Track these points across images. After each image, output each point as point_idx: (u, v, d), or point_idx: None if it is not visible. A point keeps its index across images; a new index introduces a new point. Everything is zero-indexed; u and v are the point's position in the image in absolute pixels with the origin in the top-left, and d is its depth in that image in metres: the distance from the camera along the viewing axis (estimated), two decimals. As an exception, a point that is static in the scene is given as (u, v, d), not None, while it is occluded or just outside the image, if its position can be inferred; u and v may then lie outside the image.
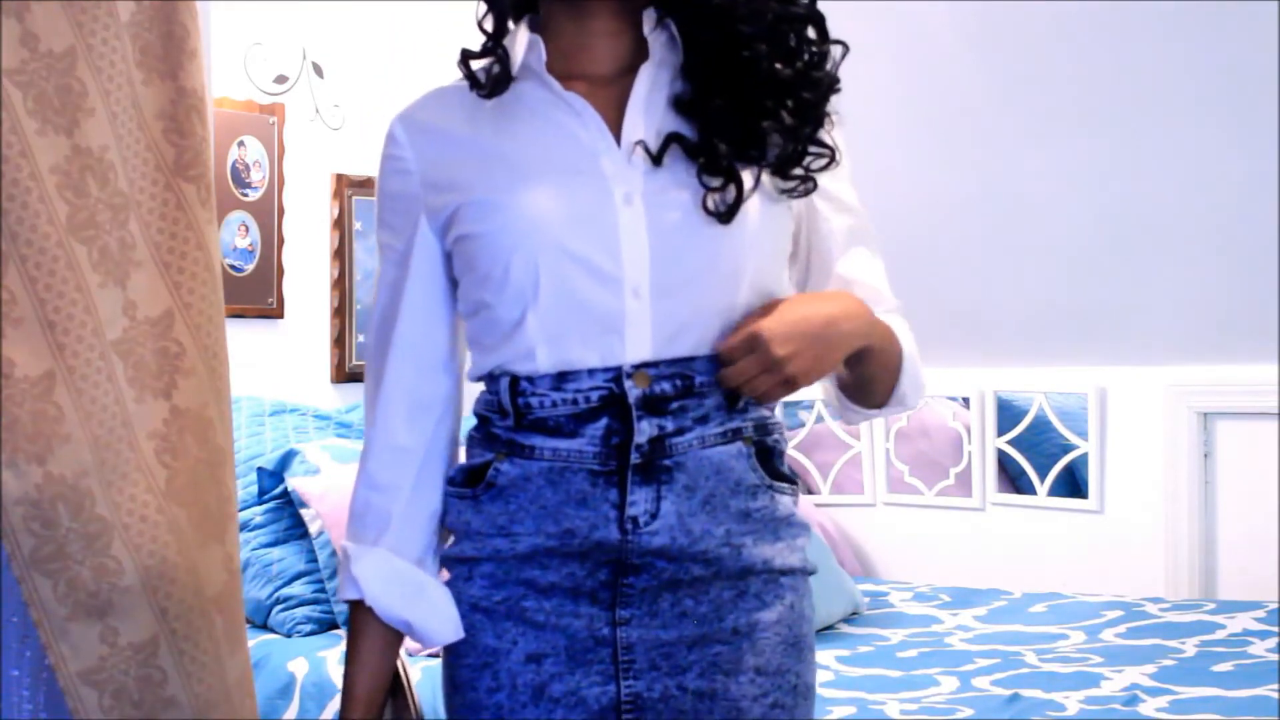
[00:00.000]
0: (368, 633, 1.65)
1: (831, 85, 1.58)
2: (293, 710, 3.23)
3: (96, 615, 2.13)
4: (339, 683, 3.19)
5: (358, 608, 1.64)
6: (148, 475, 2.20)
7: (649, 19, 1.56)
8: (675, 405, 1.53)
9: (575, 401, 1.53)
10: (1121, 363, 4.05)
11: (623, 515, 1.53)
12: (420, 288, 1.61)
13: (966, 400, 4.30)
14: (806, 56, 1.56)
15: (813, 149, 1.57)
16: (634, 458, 1.52)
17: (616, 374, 1.52)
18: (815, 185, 1.59)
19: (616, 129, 1.55)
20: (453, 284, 1.62)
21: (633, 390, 1.52)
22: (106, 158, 2.15)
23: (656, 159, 1.53)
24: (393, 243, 1.62)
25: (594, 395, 1.52)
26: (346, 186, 4.20)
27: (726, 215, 1.52)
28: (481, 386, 1.64)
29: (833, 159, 1.59)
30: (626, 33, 1.58)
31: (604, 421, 1.53)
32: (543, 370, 1.54)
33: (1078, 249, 4.10)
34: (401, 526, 1.63)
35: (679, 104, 1.57)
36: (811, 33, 1.57)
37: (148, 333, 2.20)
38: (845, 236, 1.67)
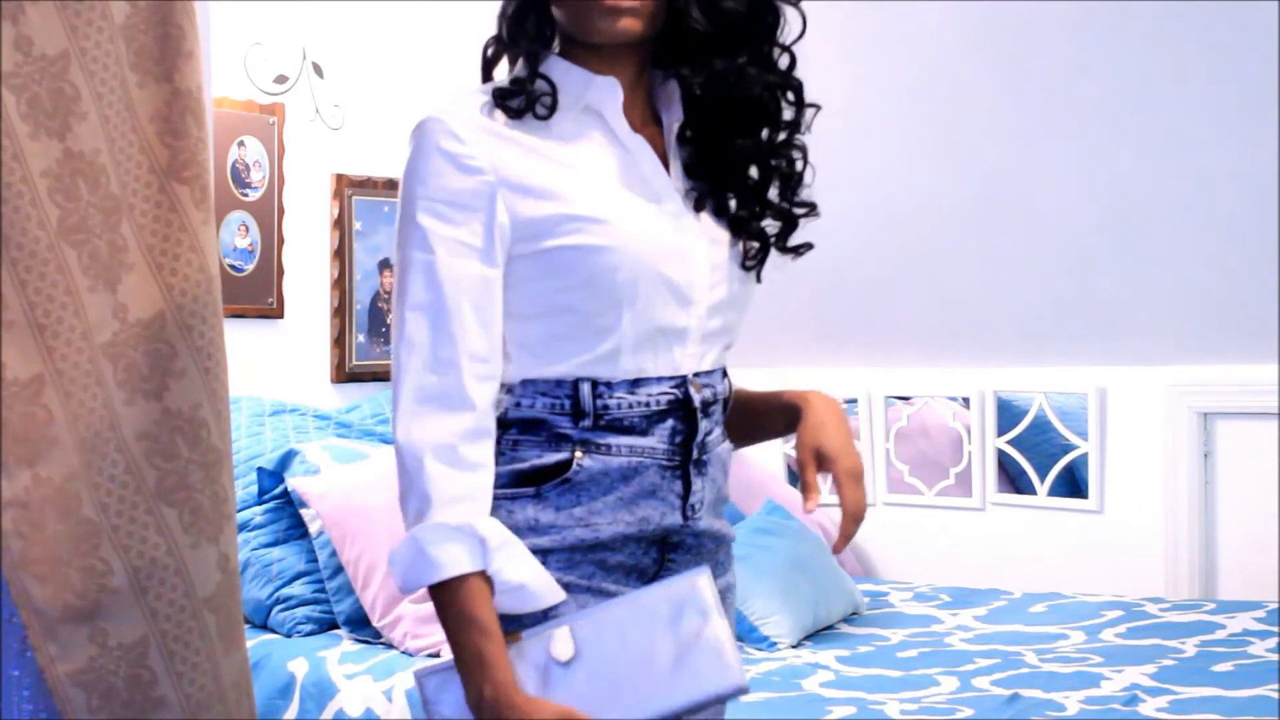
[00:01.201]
0: (487, 599, 1.64)
1: (806, 151, 1.82)
2: (293, 710, 3.23)
3: (85, 617, 2.13)
4: (339, 683, 3.20)
5: (460, 584, 1.63)
6: (137, 477, 2.20)
7: (665, 86, 1.79)
8: (711, 409, 1.79)
9: (647, 404, 1.74)
10: (1122, 363, 4.05)
11: (685, 503, 1.77)
12: (501, 281, 1.69)
13: (966, 400, 4.30)
14: (788, 120, 1.80)
15: (798, 211, 1.84)
16: (695, 453, 1.77)
17: (681, 381, 1.75)
18: (812, 246, 1.85)
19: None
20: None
21: (695, 395, 1.76)
22: (98, 161, 2.15)
23: (697, 208, 1.78)
24: (462, 237, 1.66)
25: (663, 399, 1.74)
26: (346, 186, 4.20)
27: (757, 269, 1.82)
28: (524, 392, 1.73)
29: (813, 209, 1.83)
30: (644, 85, 1.79)
31: (670, 422, 1.75)
32: (621, 376, 1.72)
33: (1078, 249, 4.09)
34: (488, 502, 1.68)
35: (688, 169, 1.80)
36: (791, 96, 1.79)
37: (139, 335, 2.20)
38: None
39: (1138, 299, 4.00)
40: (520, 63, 1.74)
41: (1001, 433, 4.25)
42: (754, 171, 1.81)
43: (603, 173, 1.71)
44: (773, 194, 1.82)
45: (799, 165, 1.82)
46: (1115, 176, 4.01)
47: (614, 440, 1.72)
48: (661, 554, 1.78)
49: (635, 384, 1.72)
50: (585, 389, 1.71)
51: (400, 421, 1.66)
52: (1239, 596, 3.79)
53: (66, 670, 2.13)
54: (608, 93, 1.74)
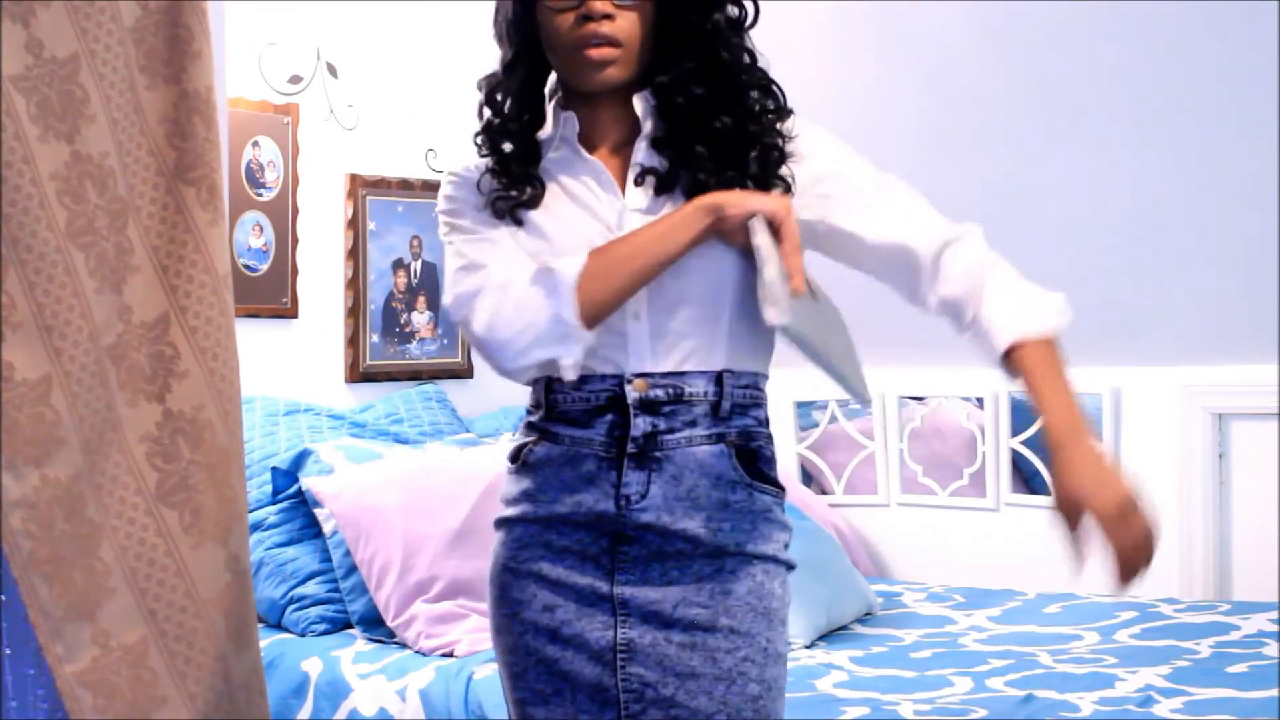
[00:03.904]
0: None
1: (781, 146, 1.93)
2: (306, 710, 3.24)
3: (87, 617, 2.14)
4: (353, 682, 3.21)
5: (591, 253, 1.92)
6: (137, 478, 2.20)
7: (639, 100, 1.94)
8: (667, 409, 1.91)
9: (589, 399, 1.92)
10: (1136, 363, 4.04)
11: (618, 493, 1.91)
12: None
13: (980, 400, 4.29)
14: (763, 118, 1.94)
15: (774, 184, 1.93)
16: (630, 447, 1.91)
17: (620, 379, 1.91)
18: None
19: (622, 187, 1.95)
20: None
21: (631, 393, 1.90)
22: (106, 164, 2.16)
23: (657, 190, 1.93)
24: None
25: (602, 395, 1.92)
26: (360, 186, 4.20)
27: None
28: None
29: (788, 190, 1.92)
30: (629, 114, 1.96)
31: (609, 417, 1.92)
32: (567, 375, 1.91)
33: (1093, 249, 4.08)
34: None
35: (661, 150, 1.96)
36: (770, 102, 1.95)
37: (142, 337, 2.21)
38: (862, 208, 1.96)
39: (1152, 300, 3.99)
40: (509, 102, 1.98)
41: (1015, 433, 4.24)
42: (727, 151, 1.93)
43: (557, 196, 1.96)
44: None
45: (776, 141, 1.94)
46: (1130, 177, 4.00)
47: (562, 430, 1.94)
48: (612, 544, 1.92)
49: (581, 381, 1.92)
50: (541, 385, 1.96)
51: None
52: (1254, 597, 3.78)
53: (73, 670, 2.13)
54: (569, 127, 1.97)
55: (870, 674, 3.13)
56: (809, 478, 4.54)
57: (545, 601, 1.94)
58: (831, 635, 3.54)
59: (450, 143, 4.39)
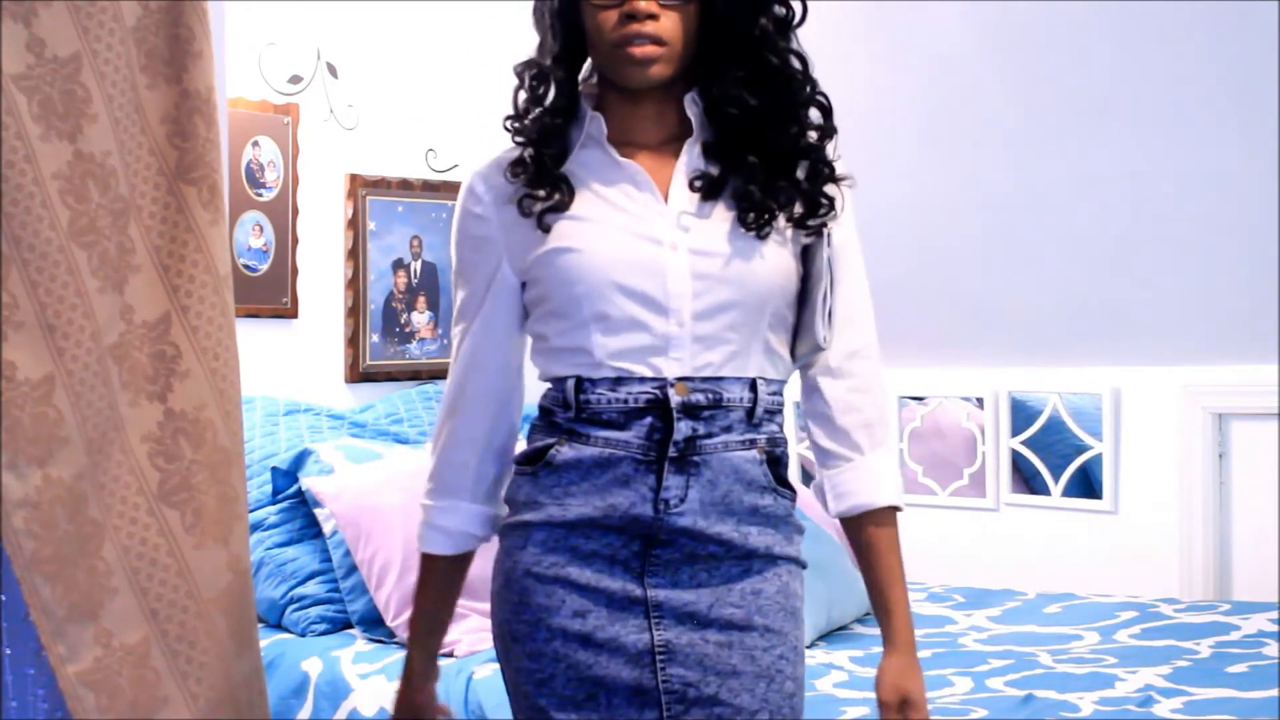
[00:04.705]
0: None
1: (830, 163, 1.95)
2: (306, 710, 3.24)
3: (89, 617, 2.14)
4: (353, 682, 3.20)
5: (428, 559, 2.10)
6: (140, 478, 2.20)
7: (690, 102, 1.94)
8: (706, 413, 1.90)
9: (626, 401, 1.89)
10: (1136, 363, 4.04)
11: (657, 497, 1.88)
12: (506, 314, 2.01)
13: (980, 400, 4.30)
14: (812, 135, 1.96)
15: (822, 201, 1.95)
16: (671, 451, 1.88)
17: (662, 383, 1.89)
18: (827, 229, 1.96)
19: (664, 188, 1.93)
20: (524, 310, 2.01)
21: (674, 397, 1.88)
22: (108, 163, 2.15)
23: (705, 195, 1.92)
24: (477, 281, 2.01)
25: (642, 398, 1.89)
26: (360, 186, 4.20)
27: (761, 230, 1.90)
28: (547, 385, 1.98)
29: (832, 208, 1.95)
30: (668, 112, 1.96)
31: (649, 420, 1.89)
32: (603, 375, 1.90)
33: (1093, 249, 4.09)
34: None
35: (712, 163, 1.95)
36: (817, 116, 1.96)
37: (144, 336, 2.21)
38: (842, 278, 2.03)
39: (1152, 299, 4.00)
40: (552, 93, 1.96)
41: (1015, 433, 4.24)
42: (775, 160, 1.94)
43: (592, 203, 1.93)
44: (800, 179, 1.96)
45: (824, 156, 1.96)
46: (1130, 177, 4.00)
47: (593, 431, 1.90)
48: (644, 548, 1.90)
49: (617, 382, 1.90)
50: (571, 384, 1.92)
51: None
52: (1253, 597, 3.78)
53: (75, 670, 2.13)
54: (595, 126, 1.96)
55: (870, 674, 3.09)
56: (809, 478, 4.54)
57: (575, 607, 1.91)
58: (832, 635, 3.54)
59: (450, 143, 4.39)
